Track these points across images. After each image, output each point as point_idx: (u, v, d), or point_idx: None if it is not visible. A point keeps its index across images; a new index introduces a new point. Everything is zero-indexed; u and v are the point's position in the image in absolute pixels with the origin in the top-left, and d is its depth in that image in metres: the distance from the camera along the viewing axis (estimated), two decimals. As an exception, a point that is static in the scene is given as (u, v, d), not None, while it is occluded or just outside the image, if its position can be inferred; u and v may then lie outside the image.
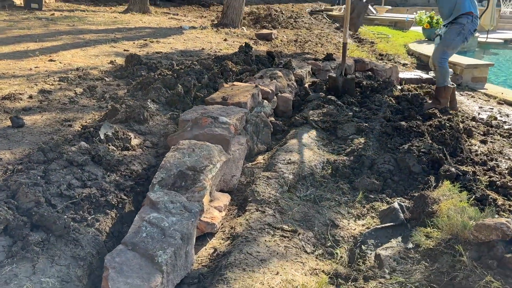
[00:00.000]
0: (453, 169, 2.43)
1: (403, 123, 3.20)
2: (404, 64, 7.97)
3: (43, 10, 8.91)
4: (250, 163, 3.03)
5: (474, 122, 4.48)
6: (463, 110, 5.15)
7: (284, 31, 10.60)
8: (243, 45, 5.13)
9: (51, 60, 4.64)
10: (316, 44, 8.87)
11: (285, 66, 4.60)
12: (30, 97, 3.35)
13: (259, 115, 3.24)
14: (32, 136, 2.63)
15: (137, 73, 4.22)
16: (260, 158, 3.09)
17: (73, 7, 10.38)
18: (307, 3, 19.06)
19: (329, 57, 5.46)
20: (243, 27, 10.53)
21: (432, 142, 3.00)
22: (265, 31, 8.82)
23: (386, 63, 7.31)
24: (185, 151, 2.08)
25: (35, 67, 4.25)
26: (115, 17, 9.17)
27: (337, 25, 13.61)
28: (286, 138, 3.25)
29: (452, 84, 4.88)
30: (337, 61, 5.45)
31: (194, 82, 3.50)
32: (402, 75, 6.68)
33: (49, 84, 3.75)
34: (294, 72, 4.58)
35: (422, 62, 8.28)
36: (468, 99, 6.01)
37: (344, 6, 17.04)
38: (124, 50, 5.74)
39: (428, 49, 8.41)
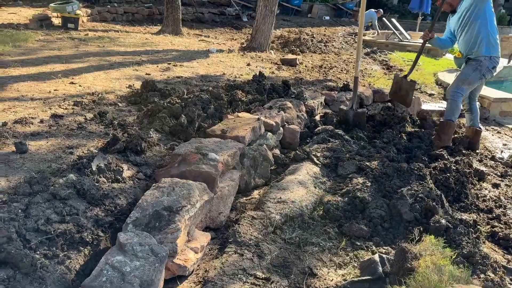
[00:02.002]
0: (443, 221, 2.32)
1: (404, 164, 3.10)
2: (430, 95, 7.75)
3: (78, 30, 9.36)
4: (244, 198, 3.01)
5: (492, 162, 4.28)
6: (484, 147, 4.94)
7: (311, 56, 10.62)
8: (257, 73, 5.16)
9: (71, 83, 4.83)
10: (341, 70, 8.82)
11: (297, 97, 4.58)
12: (41, 121, 3.49)
13: (259, 149, 3.23)
14: (32, 163, 2.73)
15: (150, 99, 4.33)
16: (255, 193, 3.07)
17: (108, 27, 10.85)
18: (340, 26, 19.09)
19: (345, 88, 5.41)
20: (271, 51, 10.64)
21: (433, 186, 2.88)
22: (290, 56, 8.86)
23: (409, 93, 7.14)
24: (164, 189, 2.10)
25: (54, 90, 4.44)
26: (146, 39, 9.49)
27: (368, 50, 13.50)
28: (284, 173, 3.21)
29: (479, 128, 4.71)
30: (353, 92, 5.38)
31: (198, 113, 3.54)
32: (425, 106, 6.51)
33: (62, 108, 3.90)
34: (306, 103, 4.56)
35: (449, 93, 8.04)
36: (493, 135, 5.76)
37: (374, 31, 16.92)
38: (146, 74, 5.91)
39: (456, 79, 8.13)
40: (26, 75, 4.96)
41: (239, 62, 8.03)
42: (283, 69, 7.86)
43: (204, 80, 6.03)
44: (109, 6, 12.40)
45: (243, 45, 11.00)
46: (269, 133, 3.61)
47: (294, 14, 20.73)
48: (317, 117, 4.60)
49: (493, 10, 4.33)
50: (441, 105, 6.70)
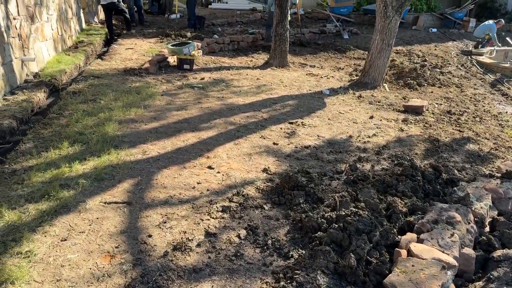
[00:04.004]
0: None
1: None
2: None
3: (193, 71, 9.49)
4: None
5: None
6: None
7: (431, 92, 9.76)
8: (409, 164, 4.61)
9: (209, 168, 4.72)
10: (474, 117, 7.91)
11: (461, 201, 3.98)
12: (198, 245, 3.34)
13: (448, 311, 2.74)
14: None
15: (295, 200, 4.03)
16: None
17: (218, 61, 10.92)
18: (451, 41, 17.55)
19: (508, 175, 4.65)
20: (384, 85, 9.99)
21: None
22: (414, 102, 8.10)
23: None
24: None
25: (197, 183, 4.33)
26: (257, 79, 9.34)
27: (492, 77, 12.14)
28: None
29: None
30: (519, 181, 4.62)
31: (367, 249, 3.15)
32: None
33: (213, 217, 3.74)
34: (473, 209, 3.94)
35: None
36: None
37: (491, 48, 15.18)
38: (274, 143, 5.67)
39: None
40: (164, 156, 4.95)
41: (360, 112, 7.50)
42: (411, 122, 7.18)
43: (334, 150, 5.63)
44: (217, 37, 12.53)
45: (353, 79, 10.44)
46: (449, 273, 3.10)
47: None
48: (487, 229, 3.96)
49: None
50: None
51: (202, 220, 3.70)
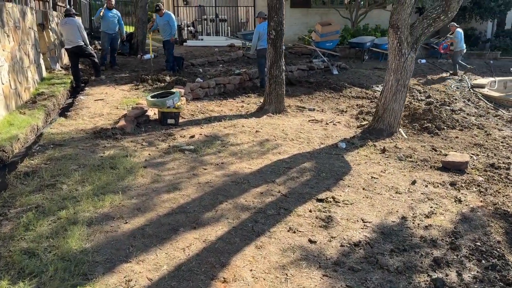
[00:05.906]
0: None
1: None
2: None
3: (179, 125, 7.88)
4: None
5: None
6: None
7: (456, 138, 8.49)
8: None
9: (233, 306, 3.05)
10: (525, 171, 6.55)
11: None
12: None
13: None
14: None
15: None
16: None
17: (205, 110, 9.35)
18: (445, 73, 16.72)
19: None
20: (400, 130, 8.66)
21: None
22: (454, 157, 6.68)
23: None
24: None
25: None
26: (256, 131, 7.79)
27: (507, 114, 11.08)
28: None
29: None
30: None
31: None
32: None
33: None
34: None
35: None
36: None
37: (492, 80, 14.35)
38: (309, 240, 4.07)
39: None
40: (159, 286, 3.25)
41: (395, 175, 6.02)
42: (461, 186, 5.75)
43: (395, 246, 4.08)
44: (200, 80, 11.02)
45: (363, 124, 9.09)
46: None
47: (385, 59, 18.59)
48: None
49: None
50: None
51: None
